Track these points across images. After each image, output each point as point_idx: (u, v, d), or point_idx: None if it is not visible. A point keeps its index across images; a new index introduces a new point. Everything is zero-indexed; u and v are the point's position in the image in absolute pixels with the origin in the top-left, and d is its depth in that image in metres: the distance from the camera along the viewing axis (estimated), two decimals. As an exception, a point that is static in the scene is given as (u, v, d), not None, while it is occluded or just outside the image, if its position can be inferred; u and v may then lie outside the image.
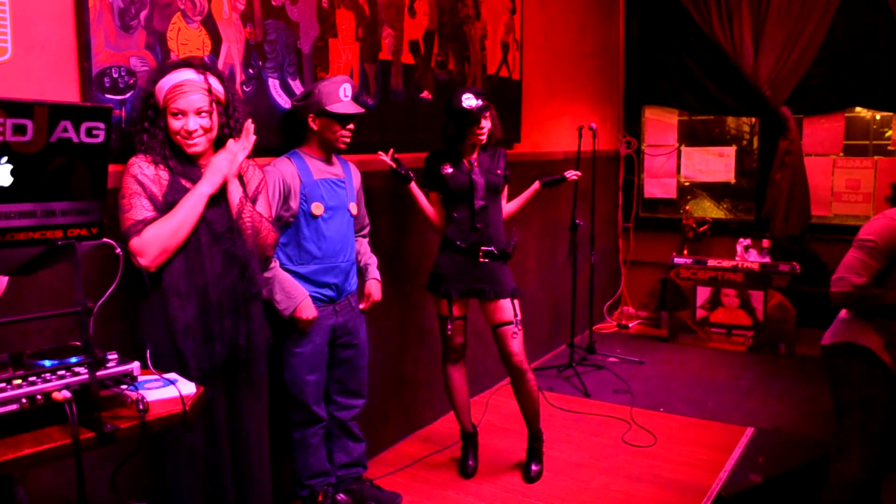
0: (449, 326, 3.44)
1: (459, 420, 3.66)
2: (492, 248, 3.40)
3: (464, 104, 3.28)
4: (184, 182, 2.33)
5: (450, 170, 3.39)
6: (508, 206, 3.66)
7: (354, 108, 2.91)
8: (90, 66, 2.34)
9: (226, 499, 2.42)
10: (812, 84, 5.62)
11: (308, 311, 2.87)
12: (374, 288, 3.21)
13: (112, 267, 1.60)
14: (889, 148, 5.72)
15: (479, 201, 3.37)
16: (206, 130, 2.36)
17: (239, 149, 2.42)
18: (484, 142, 3.41)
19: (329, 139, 2.94)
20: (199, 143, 2.36)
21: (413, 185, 3.38)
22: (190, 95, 2.31)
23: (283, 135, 3.04)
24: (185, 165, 2.36)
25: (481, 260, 3.39)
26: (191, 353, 2.30)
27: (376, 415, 3.74)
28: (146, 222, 2.24)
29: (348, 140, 2.97)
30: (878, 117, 5.78)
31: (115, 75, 2.41)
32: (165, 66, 2.43)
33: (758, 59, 5.69)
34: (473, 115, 3.29)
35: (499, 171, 3.46)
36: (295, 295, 2.85)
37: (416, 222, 3.70)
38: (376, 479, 3.43)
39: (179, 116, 2.31)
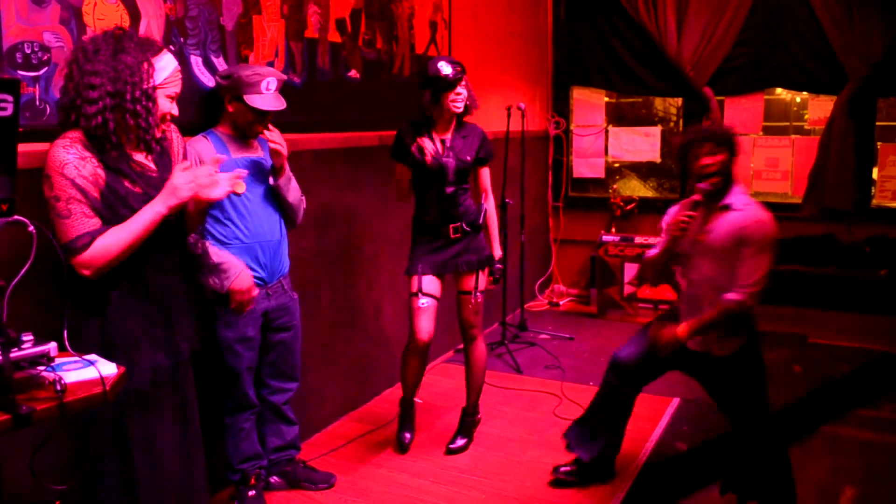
0: (418, 301, 3.41)
1: (406, 393, 3.68)
2: (461, 224, 3.43)
3: (441, 71, 3.28)
4: (127, 184, 2.15)
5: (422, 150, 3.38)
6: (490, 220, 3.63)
7: (273, 105, 2.82)
8: (0, 41, 2.25)
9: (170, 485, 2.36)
10: (733, 65, 5.79)
11: (244, 281, 2.71)
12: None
13: (26, 245, 1.55)
14: (805, 127, 5.93)
15: (449, 187, 3.38)
16: None
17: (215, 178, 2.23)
18: (461, 110, 3.39)
19: (241, 126, 2.87)
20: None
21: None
22: (181, 83, 2.26)
23: (205, 113, 2.98)
24: (122, 161, 2.16)
25: (453, 237, 3.44)
26: (138, 365, 2.19)
27: (310, 396, 3.72)
28: (93, 234, 2.05)
29: (261, 131, 2.88)
30: (798, 99, 5.98)
31: (28, 51, 2.33)
32: (146, 43, 2.20)
33: (681, 41, 5.82)
34: (450, 81, 3.29)
35: (468, 158, 3.44)
36: (229, 269, 2.70)
37: (345, 203, 3.68)
38: (310, 460, 3.42)
39: (171, 101, 2.22)
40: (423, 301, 3.39)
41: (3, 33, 2.26)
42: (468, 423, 3.69)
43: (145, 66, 2.10)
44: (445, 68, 3.28)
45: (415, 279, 3.41)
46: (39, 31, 2.36)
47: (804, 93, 5.84)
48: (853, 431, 3.79)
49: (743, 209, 2.88)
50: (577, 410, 4.07)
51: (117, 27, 2.16)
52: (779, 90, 5.95)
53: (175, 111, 2.24)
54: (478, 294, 3.50)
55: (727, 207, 2.89)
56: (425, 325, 3.42)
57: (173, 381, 2.32)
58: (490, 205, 3.60)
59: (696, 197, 2.87)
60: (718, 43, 5.71)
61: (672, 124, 6.48)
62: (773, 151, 5.94)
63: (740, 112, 5.93)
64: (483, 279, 3.52)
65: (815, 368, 4.71)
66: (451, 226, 3.42)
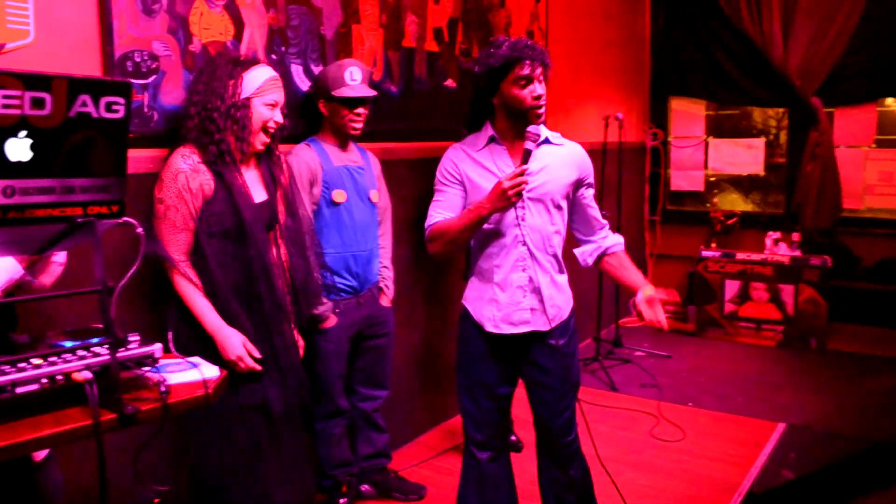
0: None
1: None
2: None
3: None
4: (237, 198, 2.29)
5: None
6: None
7: (360, 92, 2.83)
8: (112, 50, 2.32)
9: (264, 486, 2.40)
10: (843, 74, 5.49)
11: (330, 322, 2.89)
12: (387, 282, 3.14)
13: (133, 247, 1.57)
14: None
15: None
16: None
17: None
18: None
19: (339, 125, 2.88)
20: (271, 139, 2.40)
21: None
22: (281, 91, 2.37)
23: (304, 121, 3.00)
24: (232, 171, 2.31)
25: None
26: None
27: (401, 406, 3.70)
28: (182, 262, 2.24)
29: (359, 125, 2.89)
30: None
31: (138, 59, 2.39)
32: (237, 59, 2.37)
33: (787, 48, 5.57)
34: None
35: None
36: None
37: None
38: (401, 470, 3.39)
39: (271, 108, 2.33)
40: None
41: (115, 42, 2.32)
42: None
43: (232, 80, 2.26)
44: None
45: None
46: (149, 40, 2.42)
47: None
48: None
49: (562, 142, 2.47)
50: (676, 432, 3.93)
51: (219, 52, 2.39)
52: (889, 100, 5.63)
53: (278, 117, 2.35)
54: None
55: (545, 143, 2.41)
56: None
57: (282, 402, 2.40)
58: None
59: (528, 144, 2.26)
60: (828, 50, 5.44)
61: (772, 137, 6.23)
62: (888, 164, 5.62)
63: (851, 123, 5.64)
64: None
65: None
66: None
